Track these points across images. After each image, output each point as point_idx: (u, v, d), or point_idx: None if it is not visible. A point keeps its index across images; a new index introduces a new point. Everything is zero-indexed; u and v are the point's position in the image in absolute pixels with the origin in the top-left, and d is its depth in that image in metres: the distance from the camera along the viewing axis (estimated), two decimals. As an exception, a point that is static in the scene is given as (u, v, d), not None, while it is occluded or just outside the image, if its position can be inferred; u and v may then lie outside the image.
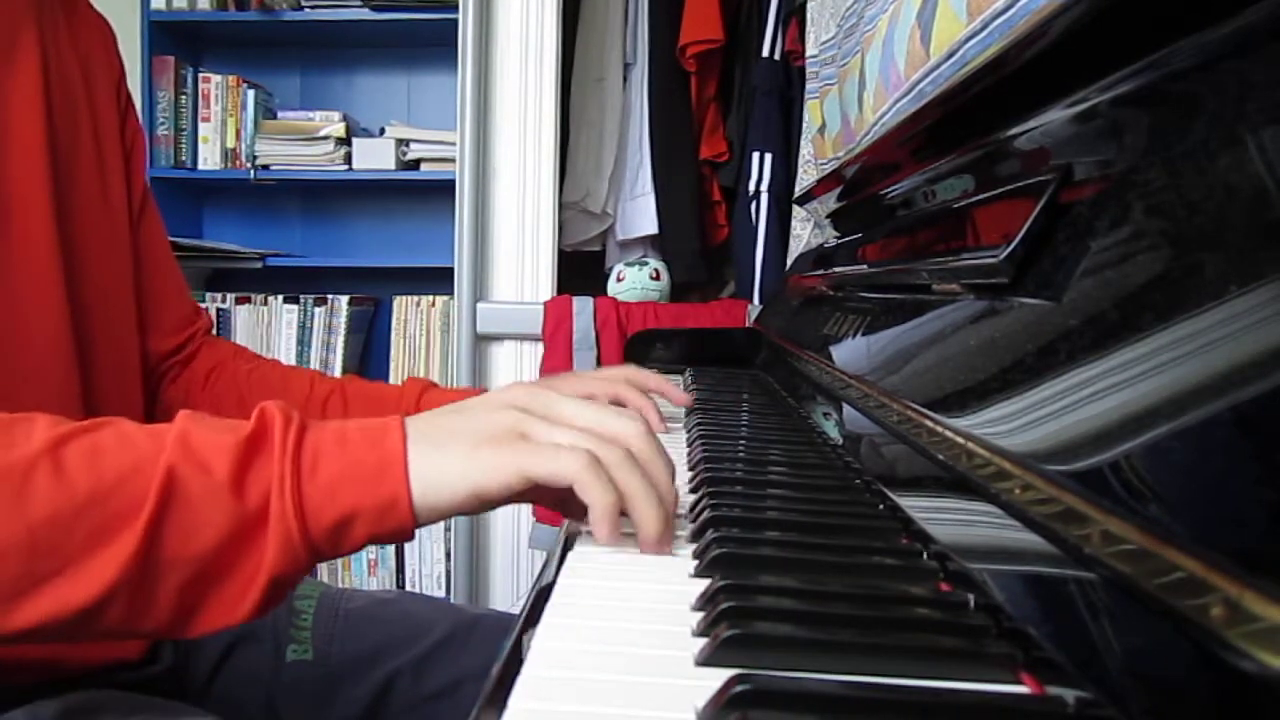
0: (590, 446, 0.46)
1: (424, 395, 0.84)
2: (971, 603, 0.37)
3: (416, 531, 0.46)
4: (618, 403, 0.79)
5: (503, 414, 0.47)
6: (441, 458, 0.45)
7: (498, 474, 0.45)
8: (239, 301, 2.39)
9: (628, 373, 0.82)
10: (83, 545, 0.41)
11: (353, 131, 2.40)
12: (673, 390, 0.82)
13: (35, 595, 0.41)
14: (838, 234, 1.16)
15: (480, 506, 0.45)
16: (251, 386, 0.86)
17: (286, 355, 2.35)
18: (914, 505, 0.47)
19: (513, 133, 1.86)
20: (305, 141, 2.37)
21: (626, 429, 0.49)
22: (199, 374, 0.86)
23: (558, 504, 0.50)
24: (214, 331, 0.92)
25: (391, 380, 2.28)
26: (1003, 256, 0.46)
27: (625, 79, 2.12)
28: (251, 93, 2.42)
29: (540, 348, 1.85)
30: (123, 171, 0.79)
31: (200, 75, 2.43)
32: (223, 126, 2.41)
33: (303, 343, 2.36)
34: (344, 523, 0.44)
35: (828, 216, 1.18)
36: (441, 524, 2.23)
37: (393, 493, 0.44)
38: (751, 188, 1.97)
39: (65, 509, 0.41)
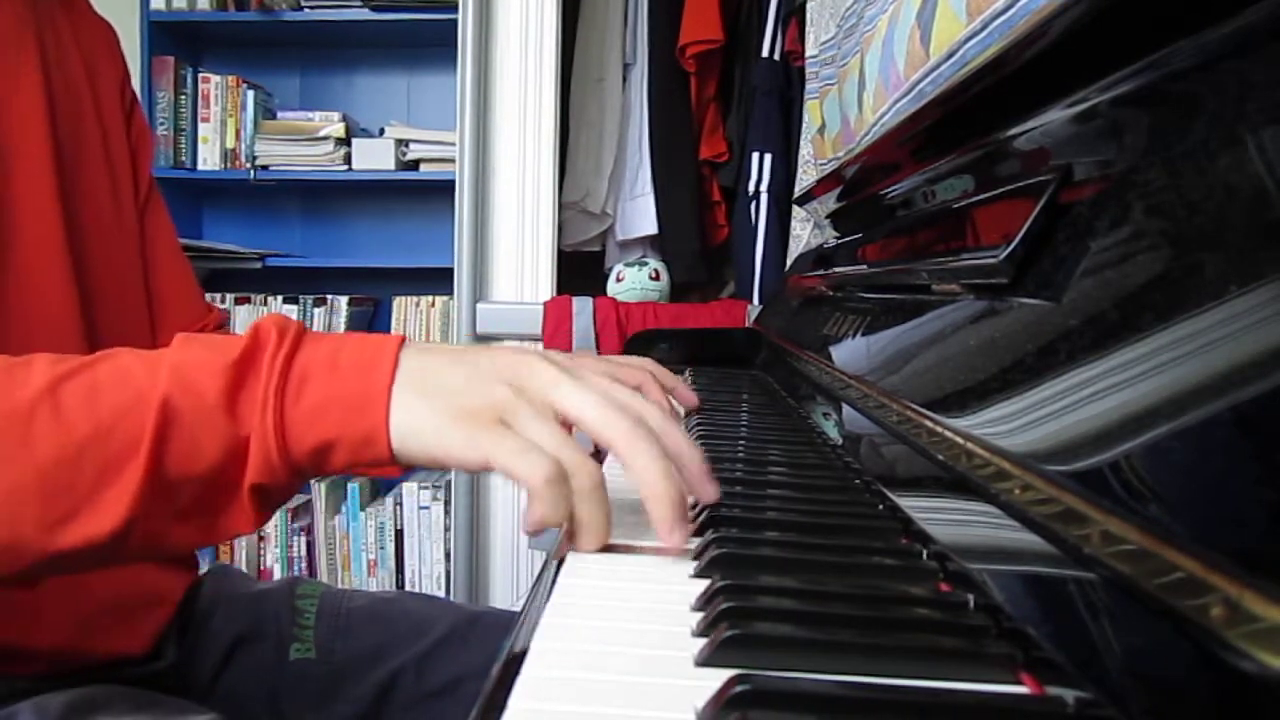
0: (564, 458, 0.44)
1: None
2: (971, 603, 0.37)
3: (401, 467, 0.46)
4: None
5: (496, 389, 0.46)
6: (422, 412, 0.45)
7: (464, 452, 0.44)
8: (238, 302, 2.39)
9: (649, 365, 0.81)
10: (92, 483, 0.42)
11: (352, 132, 2.40)
12: (685, 391, 0.81)
13: (61, 531, 0.42)
14: (837, 234, 1.16)
15: (445, 467, 0.46)
16: None
17: (286, 355, 2.35)
18: (914, 505, 0.47)
19: (512, 133, 1.86)
20: (305, 142, 2.37)
21: (642, 405, 0.47)
22: None
23: None
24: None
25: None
26: (1002, 256, 0.46)
27: (625, 79, 2.12)
28: (251, 93, 2.42)
29: (540, 348, 1.85)
30: (130, 170, 0.79)
31: (200, 75, 2.43)
32: (222, 127, 2.41)
33: (302, 343, 2.36)
34: (324, 448, 0.45)
35: (827, 217, 1.18)
36: (441, 524, 2.24)
37: (371, 428, 0.44)
38: (751, 188, 1.97)
39: (69, 449, 0.42)
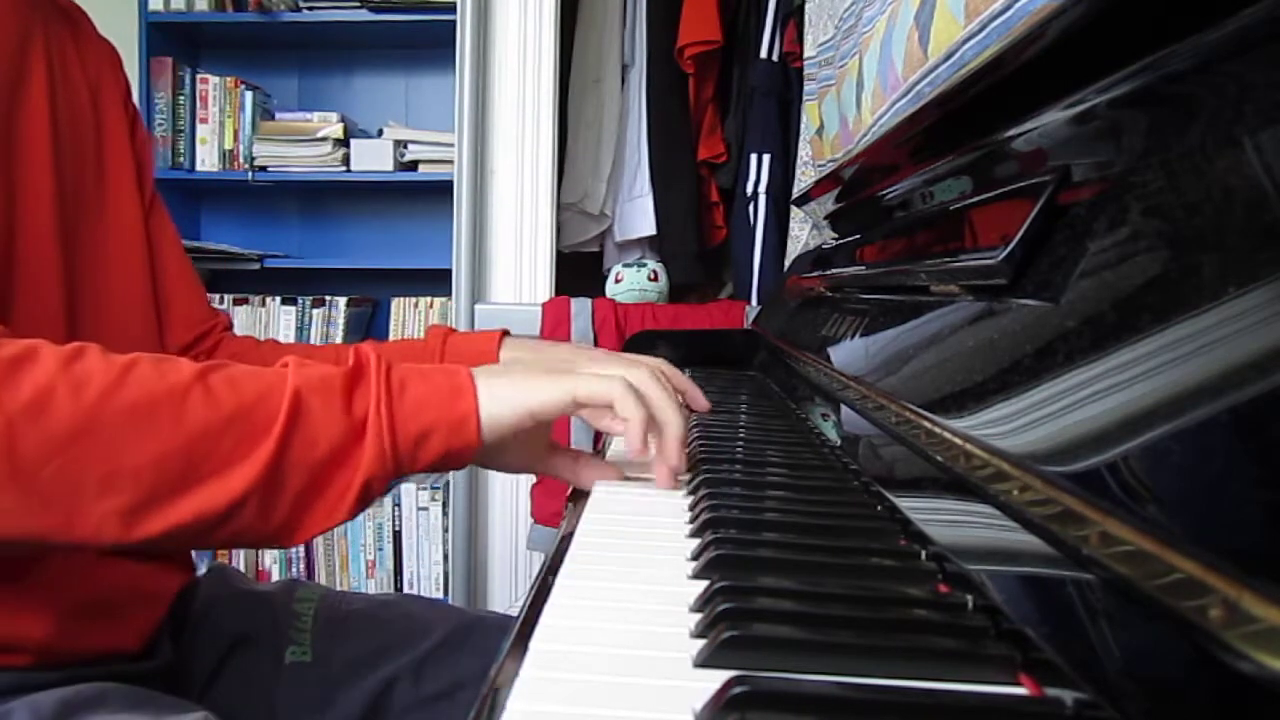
0: (624, 373, 0.58)
1: (448, 340, 0.86)
2: (970, 604, 0.37)
3: (475, 452, 0.56)
4: None
5: (560, 353, 0.63)
6: (503, 385, 0.56)
7: (551, 395, 0.56)
8: (236, 303, 2.39)
9: (662, 365, 0.80)
10: (229, 452, 0.50)
11: (350, 132, 2.40)
12: (696, 395, 0.80)
13: (190, 494, 0.49)
14: (836, 235, 1.16)
15: (534, 423, 0.56)
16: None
17: (284, 356, 2.35)
18: (912, 506, 0.47)
19: (511, 134, 1.86)
20: (303, 143, 2.36)
21: (651, 365, 0.64)
22: None
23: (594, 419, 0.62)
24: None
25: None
26: (1001, 258, 0.46)
27: (623, 80, 2.12)
28: (249, 94, 2.41)
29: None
30: (134, 182, 0.81)
31: (198, 76, 2.42)
32: (220, 128, 2.41)
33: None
34: (424, 435, 0.54)
35: (826, 218, 1.18)
36: (440, 526, 2.23)
37: (464, 411, 0.54)
38: (749, 189, 1.97)
39: (215, 423, 0.50)
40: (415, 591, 2.26)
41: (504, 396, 0.55)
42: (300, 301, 2.38)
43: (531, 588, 0.43)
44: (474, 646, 0.81)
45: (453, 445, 0.54)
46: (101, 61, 0.80)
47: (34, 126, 0.69)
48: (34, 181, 0.68)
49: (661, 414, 0.59)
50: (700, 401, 0.80)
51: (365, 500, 0.53)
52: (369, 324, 2.54)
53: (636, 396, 0.57)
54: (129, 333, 0.78)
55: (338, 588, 0.89)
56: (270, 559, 2.33)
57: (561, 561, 0.45)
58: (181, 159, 2.42)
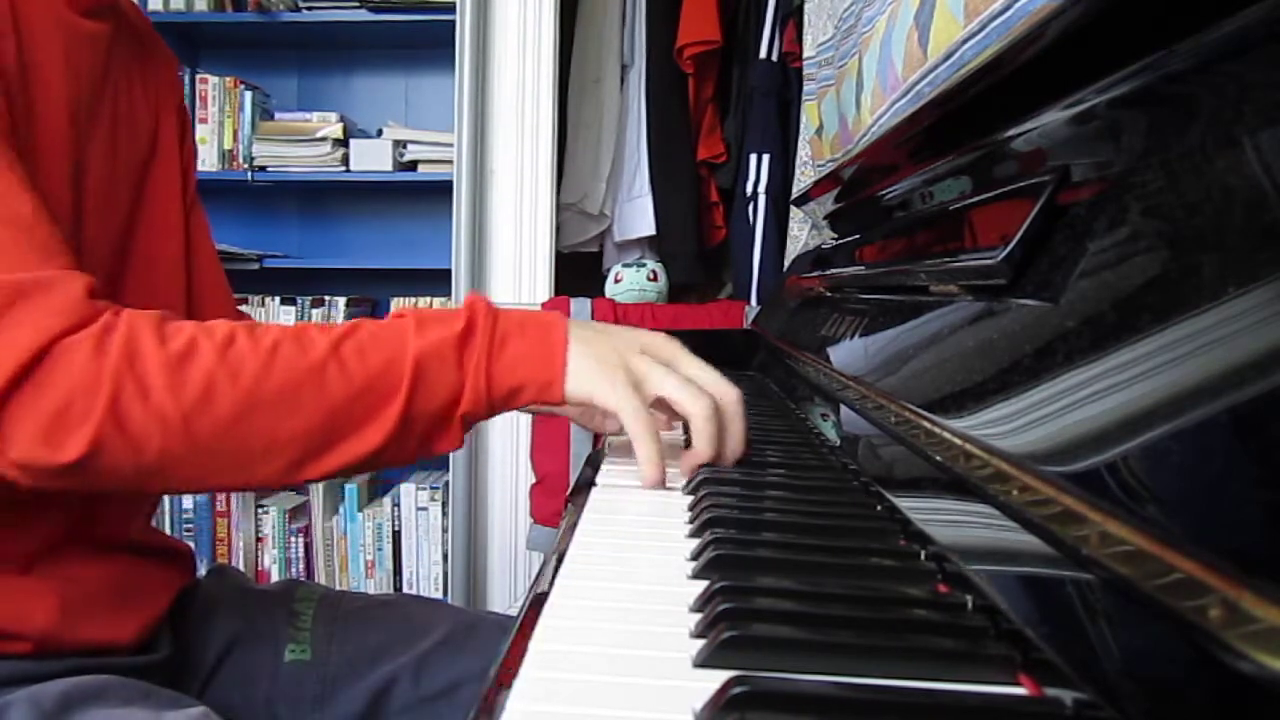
0: (688, 404, 0.62)
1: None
2: (969, 604, 0.37)
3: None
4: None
5: (636, 360, 0.64)
6: (589, 365, 0.62)
7: (609, 400, 0.61)
8: (235, 303, 2.39)
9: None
10: (364, 415, 0.59)
11: (350, 132, 2.39)
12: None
13: (337, 450, 0.59)
14: (835, 235, 1.16)
15: (600, 406, 0.62)
16: None
17: (284, 356, 2.35)
18: (912, 506, 0.47)
19: (510, 134, 1.86)
20: (302, 143, 2.36)
21: (725, 392, 0.65)
22: None
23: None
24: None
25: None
26: (1000, 258, 0.46)
27: (623, 80, 2.12)
28: (249, 94, 2.41)
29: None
30: (180, 188, 0.84)
31: (197, 76, 2.42)
32: (220, 128, 2.41)
33: (300, 344, 2.36)
34: (516, 389, 0.62)
35: (825, 218, 1.18)
36: (439, 525, 2.23)
37: (552, 375, 0.62)
38: (749, 189, 1.97)
39: (350, 392, 0.58)
40: (415, 591, 2.26)
41: (584, 376, 0.62)
42: (300, 301, 2.38)
43: (531, 588, 0.43)
44: (474, 646, 0.80)
45: (540, 400, 0.62)
46: (161, 72, 0.84)
47: (99, 147, 0.72)
48: (94, 197, 0.71)
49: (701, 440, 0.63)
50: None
51: (466, 429, 0.63)
52: (368, 324, 2.54)
53: (653, 444, 0.61)
54: None
55: (337, 588, 0.89)
56: (270, 559, 2.33)
57: (561, 561, 0.45)
58: (181, 159, 2.41)
